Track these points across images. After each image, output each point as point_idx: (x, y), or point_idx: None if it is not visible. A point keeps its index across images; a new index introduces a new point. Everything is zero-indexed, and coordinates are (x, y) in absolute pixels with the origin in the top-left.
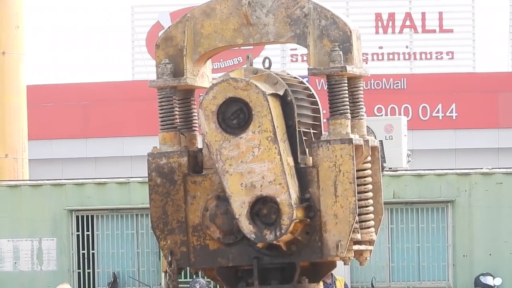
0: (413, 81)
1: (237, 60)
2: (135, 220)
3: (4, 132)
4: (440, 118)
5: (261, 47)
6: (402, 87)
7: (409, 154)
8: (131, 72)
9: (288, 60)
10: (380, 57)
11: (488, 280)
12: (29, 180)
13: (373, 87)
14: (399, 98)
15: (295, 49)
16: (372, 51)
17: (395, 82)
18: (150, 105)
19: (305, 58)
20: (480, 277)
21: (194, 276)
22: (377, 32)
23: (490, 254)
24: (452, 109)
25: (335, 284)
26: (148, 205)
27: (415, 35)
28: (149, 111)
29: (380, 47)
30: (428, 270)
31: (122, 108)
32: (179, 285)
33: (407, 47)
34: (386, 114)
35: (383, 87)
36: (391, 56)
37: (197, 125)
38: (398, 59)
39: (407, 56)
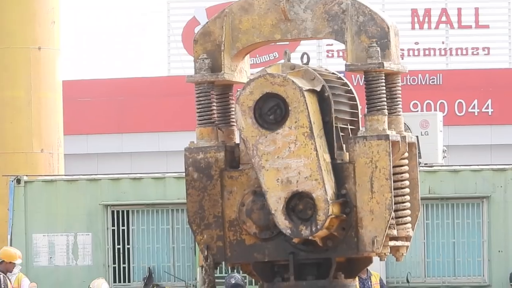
0: (449, 77)
1: (273, 56)
2: (170, 215)
3: (40, 127)
4: (476, 114)
5: (297, 42)
6: (438, 83)
7: (445, 150)
8: (167, 68)
9: (324, 56)
10: (416, 52)
11: None
12: (65, 175)
13: (409, 83)
14: (435, 93)
15: (331, 44)
16: (408, 46)
17: (431, 78)
18: (186, 100)
19: (341, 53)
20: None
21: (230, 271)
22: (413, 28)
23: None
24: (488, 105)
25: (370, 279)
26: (183, 200)
27: (451, 30)
28: (185, 106)
29: (416, 43)
30: (463, 265)
31: (158, 104)
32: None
33: (443, 42)
34: (422, 110)
35: (419, 83)
36: (427, 52)
37: (234, 120)
38: (434, 54)
39: (443, 52)
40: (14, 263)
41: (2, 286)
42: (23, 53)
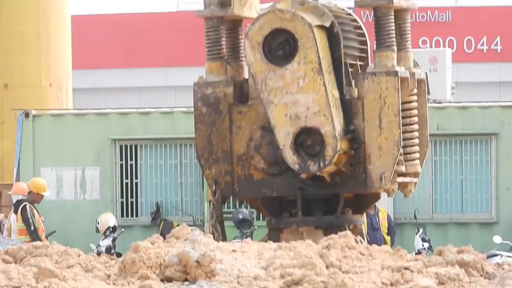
0: (458, 14)
1: None
2: (178, 150)
3: (49, 62)
4: (485, 51)
5: None
6: (447, 20)
7: (453, 87)
8: (176, 3)
9: None
10: None
11: None
12: (73, 109)
13: (418, 20)
14: (444, 30)
15: None
16: None
17: (440, 15)
18: (195, 35)
19: None
20: None
21: (238, 206)
22: None
23: None
24: (497, 42)
25: (378, 215)
26: (192, 135)
27: None
28: (194, 41)
29: None
30: (471, 202)
31: (167, 39)
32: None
33: None
34: (431, 47)
35: (428, 20)
36: None
37: (244, 55)
38: None
39: None
40: (42, 195)
41: (29, 216)
42: None
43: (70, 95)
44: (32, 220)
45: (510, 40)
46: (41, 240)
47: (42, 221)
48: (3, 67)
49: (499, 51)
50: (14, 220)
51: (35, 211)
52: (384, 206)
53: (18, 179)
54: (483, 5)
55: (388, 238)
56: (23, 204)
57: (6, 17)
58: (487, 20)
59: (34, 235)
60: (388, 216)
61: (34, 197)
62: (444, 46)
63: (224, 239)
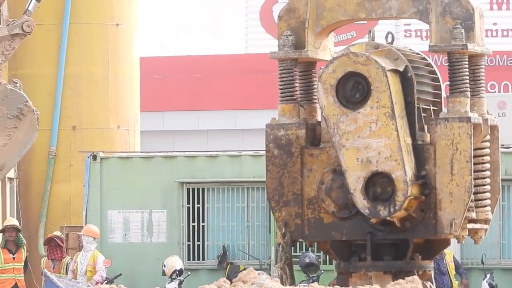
0: None
1: (351, 35)
2: (245, 193)
3: (117, 104)
4: None
5: (375, 21)
6: None
7: None
8: (244, 45)
9: (401, 36)
10: (494, 33)
11: None
12: (141, 152)
13: (486, 64)
14: None
15: (409, 24)
16: (486, 27)
17: (508, 59)
18: (263, 78)
19: (419, 33)
20: None
21: (304, 250)
22: (491, 9)
23: None
24: None
25: (444, 258)
26: (259, 179)
27: None
28: (261, 84)
29: (494, 24)
30: None
31: (235, 81)
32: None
33: None
34: (499, 91)
35: (497, 64)
36: (505, 33)
37: (316, 97)
38: None
39: None
40: None
41: None
42: (101, 29)
43: (138, 137)
44: None
45: None
46: None
47: (107, 265)
48: (71, 109)
49: None
50: (81, 262)
51: None
52: (451, 251)
53: (86, 222)
54: None
55: (455, 283)
56: None
57: (75, 59)
58: None
59: None
60: (454, 258)
61: None
62: None
63: (292, 282)
